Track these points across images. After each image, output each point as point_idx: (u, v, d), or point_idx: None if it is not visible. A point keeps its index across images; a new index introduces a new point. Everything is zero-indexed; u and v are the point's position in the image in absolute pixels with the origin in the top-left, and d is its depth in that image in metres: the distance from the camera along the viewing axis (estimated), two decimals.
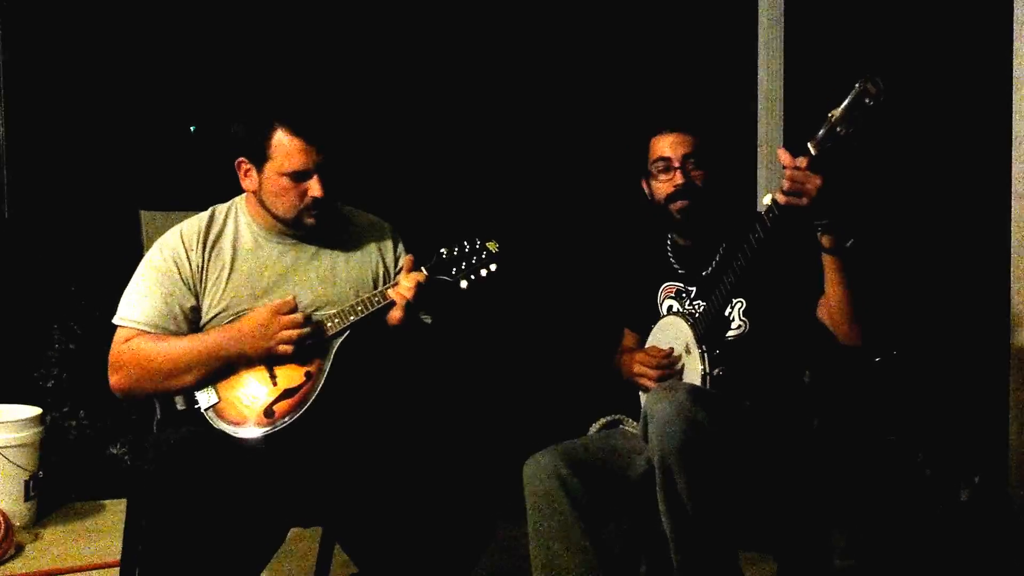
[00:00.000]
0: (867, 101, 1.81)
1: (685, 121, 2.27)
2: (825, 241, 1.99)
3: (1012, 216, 2.66)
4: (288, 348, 2.07)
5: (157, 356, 2.09)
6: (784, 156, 1.93)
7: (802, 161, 1.90)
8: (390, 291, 2.15)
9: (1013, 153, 2.67)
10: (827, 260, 2.02)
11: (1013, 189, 2.66)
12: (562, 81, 3.84)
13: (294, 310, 2.08)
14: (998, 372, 2.70)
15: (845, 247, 1.99)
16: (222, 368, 2.09)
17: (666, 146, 2.26)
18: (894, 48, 3.11)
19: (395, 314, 2.15)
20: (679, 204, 2.25)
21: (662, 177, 2.26)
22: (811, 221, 1.97)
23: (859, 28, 3.26)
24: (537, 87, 3.83)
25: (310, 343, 2.10)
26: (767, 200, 1.98)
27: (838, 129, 1.84)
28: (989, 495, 2.73)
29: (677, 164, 2.24)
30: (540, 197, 3.78)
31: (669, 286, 2.36)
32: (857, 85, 1.82)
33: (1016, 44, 2.66)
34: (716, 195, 2.27)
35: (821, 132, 1.86)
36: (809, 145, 1.88)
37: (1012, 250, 2.66)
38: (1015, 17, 2.66)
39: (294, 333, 2.07)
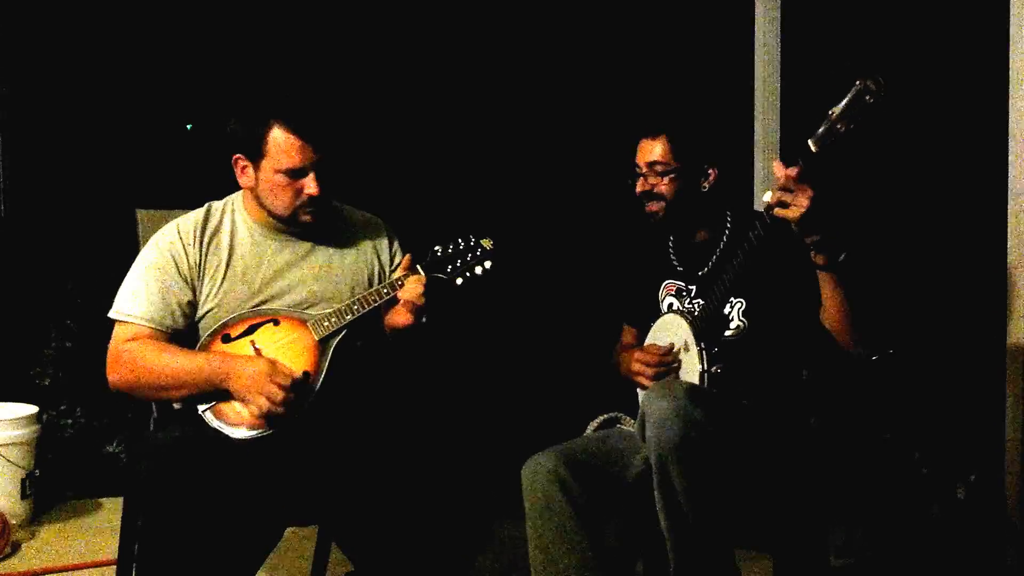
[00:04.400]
0: (867, 98, 1.82)
1: (655, 126, 2.26)
2: (818, 259, 1.99)
3: (1008, 214, 2.66)
4: (262, 409, 2.03)
5: (154, 369, 2.08)
6: (778, 168, 1.93)
7: (793, 171, 1.90)
8: (401, 296, 2.15)
9: (1010, 150, 2.66)
10: (822, 276, 2.02)
11: (1010, 186, 2.66)
12: (561, 74, 3.83)
13: (293, 383, 2.05)
14: (994, 369, 2.70)
15: (838, 262, 1.99)
16: (214, 393, 2.07)
17: (638, 152, 2.28)
18: (891, 45, 3.10)
19: (402, 320, 2.15)
20: (648, 208, 2.28)
21: (637, 181, 2.28)
22: (801, 238, 1.96)
23: (856, 25, 3.25)
24: (536, 81, 3.82)
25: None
26: (767, 198, 1.98)
27: (838, 126, 1.85)
28: (985, 493, 2.72)
29: (643, 171, 2.27)
30: (539, 194, 3.77)
31: (670, 284, 2.35)
32: (857, 83, 1.83)
33: (1013, 41, 2.66)
34: (699, 196, 2.26)
35: (821, 129, 1.87)
36: (809, 142, 1.88)
37: (1008, 247, 2.66)
38: (1012, 13, 2.66)
39: (278, 398, 2.02)
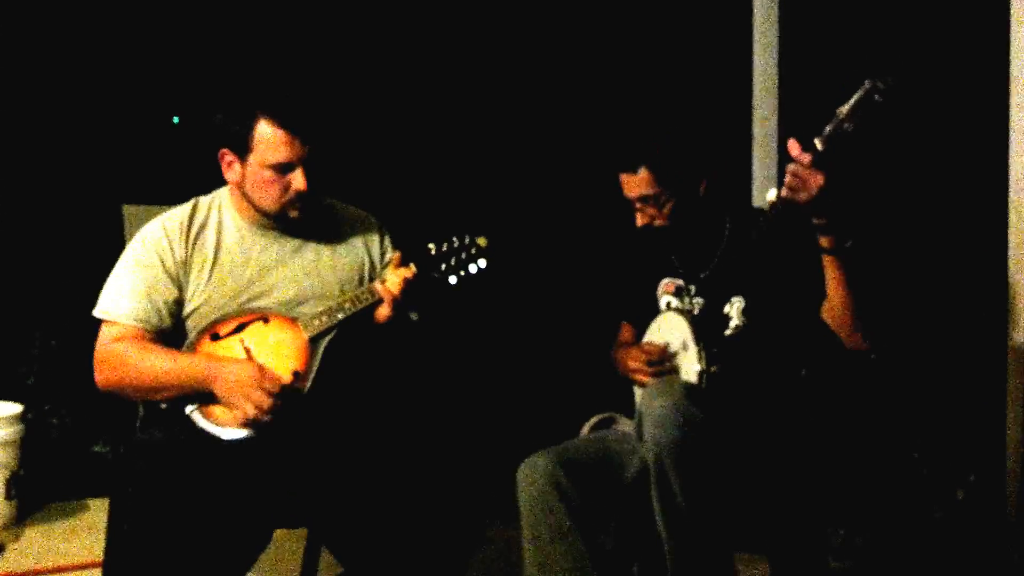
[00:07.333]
0: (876, 98, 1.84)
1: (630, 160, 2.19)
2: (824, 241, 1.99)
3: (1010, 212, 2.65)
4: (248, 415, 1.99)
5: (140, 371, 2.05)
6: (794, 148, 1.93)
7: (806, 157, 1.91)
8: (377, 287, 2.12)
9: (1011, 149, 2.65)
10: (827, 261, 2.01)
11: (1011, 186, 2.65)
12: (558, 68, 3.79)
13: (281, 390, 2.01)
14: (995, 370, 2.69)
15: (844, 248, 1.99)
16: (200, 393, 2.04)
17: (624, 186, 2.23)
18: (891, 42, 3.08)
19: (382, 311, 2.12)
20: (653, 234, 2.25)
21: (635, 215, 2.25)
22: (809, 219, 1.97)
23: (856, 23, 3.24)
24: (533, 74, 3.78)
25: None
26: (771, 196, 1.99)
27: (846, 126, 1.86)
28: (985, 494, 2.71)
29: (636, 207, 2.23)
30: (535, 190, 3.74)
31: (669, 282, 2.33)
32: (867, 83, 1.84)
33: (1013, 37, 2.64)
34: (697, 204, 2.22)
35: (828, 128, 1.88)
36: (816, 141, 1.90)
37: (1009, 247, 2.65)
38: (1012, 7, 2.64)
39: (265, 405, 1.98)
